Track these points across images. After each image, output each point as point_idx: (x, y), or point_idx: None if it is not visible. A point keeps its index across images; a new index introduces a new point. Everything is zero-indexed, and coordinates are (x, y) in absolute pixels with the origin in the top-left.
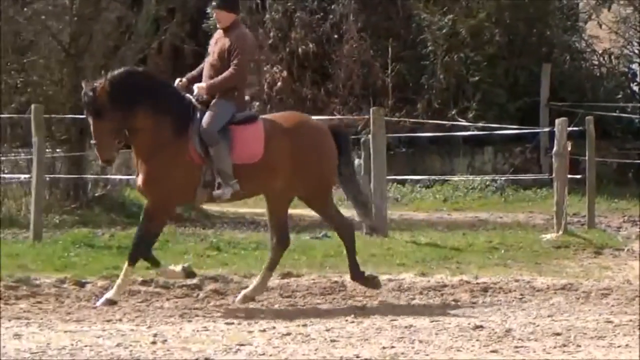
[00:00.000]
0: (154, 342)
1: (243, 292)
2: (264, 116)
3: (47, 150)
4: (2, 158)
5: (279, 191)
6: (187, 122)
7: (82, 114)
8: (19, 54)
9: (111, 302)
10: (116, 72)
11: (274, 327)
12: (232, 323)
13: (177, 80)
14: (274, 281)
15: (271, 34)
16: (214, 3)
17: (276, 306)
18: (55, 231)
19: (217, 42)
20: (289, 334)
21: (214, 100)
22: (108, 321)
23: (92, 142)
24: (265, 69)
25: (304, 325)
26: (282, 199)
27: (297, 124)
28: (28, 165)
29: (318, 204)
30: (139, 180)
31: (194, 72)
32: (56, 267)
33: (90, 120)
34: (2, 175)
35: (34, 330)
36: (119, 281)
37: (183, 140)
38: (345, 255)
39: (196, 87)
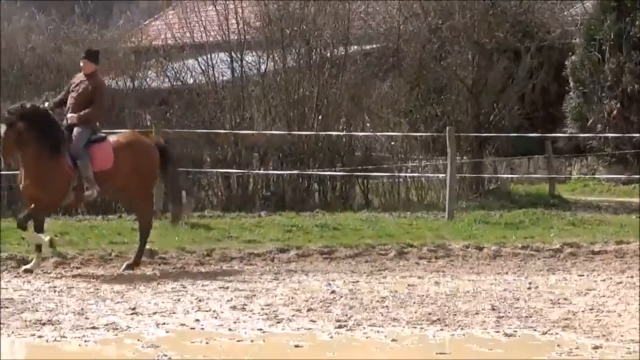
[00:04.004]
0: (529, 288)
1: (126, 263)
2: (110, 136)
3: (457, 157)
4: (426, 162)
5: (122, 188)
6: (60, 144)
7: (480, 133)
8: (438, 93)
9: (28, 271)
10: (27, 105)
11: (610, 278)
12: (583, 275)
13: (47, 102)
14: (610, 246)
15: (609, 78)
16: (82, 54)
17: (612, 264)
18: (462, 212)
19: (80, 83)
20: (620, 282)
21: (76, 128)
22: (498, 273)
23: (0, 148)
24: (605, 102)
25: (631, 277)
26: (124, 194)
27: (133, 141)
28: (444, 168)
29: (140, 196)
30: (24, 183)
31: (56, 99)
32: (463, 237)
33: (3, 130)
34: (427, 175)
35: (447, 280)
36: (32, 239)
37: (57, 157)
38: None
39: (69, 117)
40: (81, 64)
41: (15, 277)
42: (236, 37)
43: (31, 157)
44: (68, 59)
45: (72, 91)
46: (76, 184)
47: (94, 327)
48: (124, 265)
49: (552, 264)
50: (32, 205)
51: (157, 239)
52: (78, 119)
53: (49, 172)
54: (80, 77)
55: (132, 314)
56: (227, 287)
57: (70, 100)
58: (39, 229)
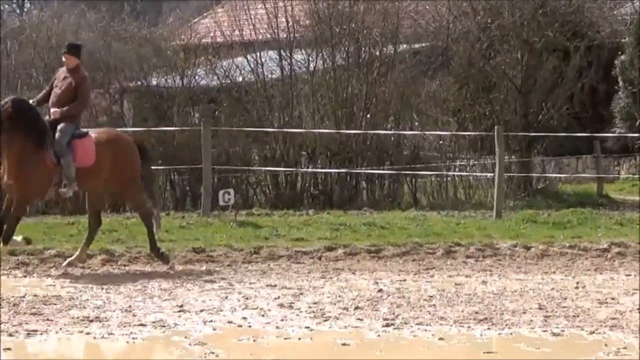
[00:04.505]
0: (576, 287)
1: (68, 259)
2: (91, 132)
3: (505, 157)
4: (475, 162)
5: (101, 186)
6: (44, 140)
7: (529, 132)
8: (487, 92)
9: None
10: (16, 98)
11: None
12: (630, 275)
13: (31, 100)
14: None
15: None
16: (64, 49)
17: None
18: (510, 212)
19: (65, 79)
20: None
21: (60, 124)
22: (546, 273)
23: None
24: None
25: None
26: (101, 193)
27: (115, 138)
28: (492, 167)
29: (127, 194)
30: (6, 178)
31: (39, 96)
32: (511, 236)
33: None
34: (476, 174)
35: (495, 279)
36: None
37: (41, 152)
38: None
39: (52, 111)
40: (63, 59)
41: (63, 274)
42: (285, 36)
43: (14, 152)
44: (117, 56)
45: (56, 87)
46: (57, 180)
47: (141, 325)
48: (169, 264)
49: (600, 263)
50: (12, 200)
51: (205, 237)
52: (61, 113)
53: (31, 166)
54: (63, 72)
55: (179, 311)
56: (275, 285)
57: (53, 97)
58: (10, 233)
